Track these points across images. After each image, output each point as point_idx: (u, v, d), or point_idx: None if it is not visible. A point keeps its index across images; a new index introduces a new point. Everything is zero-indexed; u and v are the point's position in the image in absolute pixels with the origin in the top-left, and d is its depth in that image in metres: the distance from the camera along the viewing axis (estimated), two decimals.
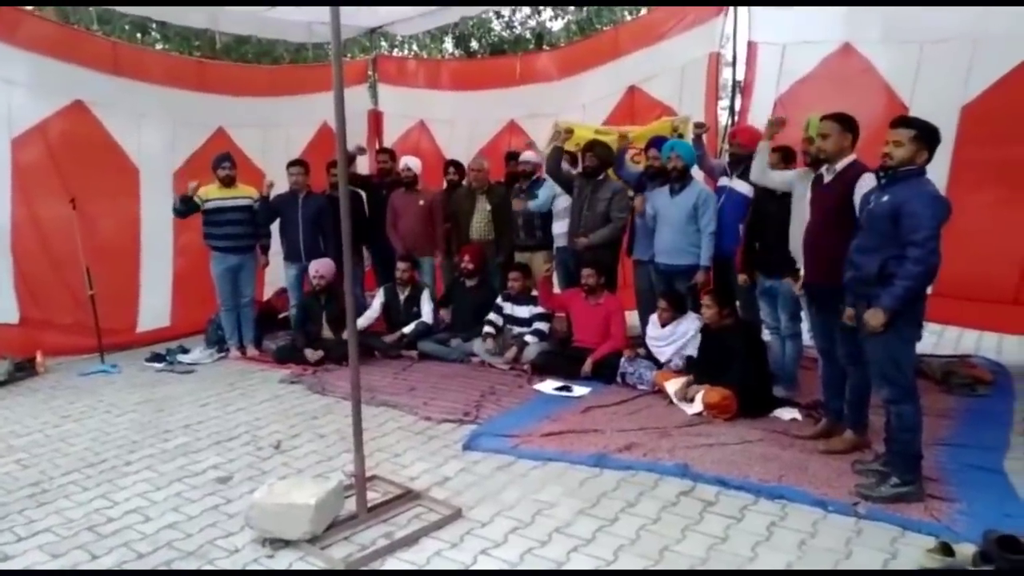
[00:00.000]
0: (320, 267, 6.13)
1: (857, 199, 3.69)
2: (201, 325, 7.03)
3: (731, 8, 6.51)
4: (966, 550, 2.82)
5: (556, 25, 18.40)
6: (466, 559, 3.02)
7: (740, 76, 6.68)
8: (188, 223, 6.90)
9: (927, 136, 3.30)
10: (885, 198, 3.31)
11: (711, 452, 4.02)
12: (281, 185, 6.59)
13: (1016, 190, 5.38)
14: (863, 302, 3.41)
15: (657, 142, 5.78)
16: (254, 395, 5.33)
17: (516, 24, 18.55)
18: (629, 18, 17.48)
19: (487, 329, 5.93)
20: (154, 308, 7.13)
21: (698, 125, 5.54)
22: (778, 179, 4.43)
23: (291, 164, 6.55)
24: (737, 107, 6.65)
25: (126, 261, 6.89)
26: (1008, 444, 4.07)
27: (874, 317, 3.30)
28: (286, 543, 3.13)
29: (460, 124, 8.31)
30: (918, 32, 5.66)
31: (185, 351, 6.44)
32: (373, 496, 3.51)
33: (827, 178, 3.93)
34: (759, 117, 6.32)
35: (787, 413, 4.59)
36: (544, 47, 17.90)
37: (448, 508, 3.40)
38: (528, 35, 18.58)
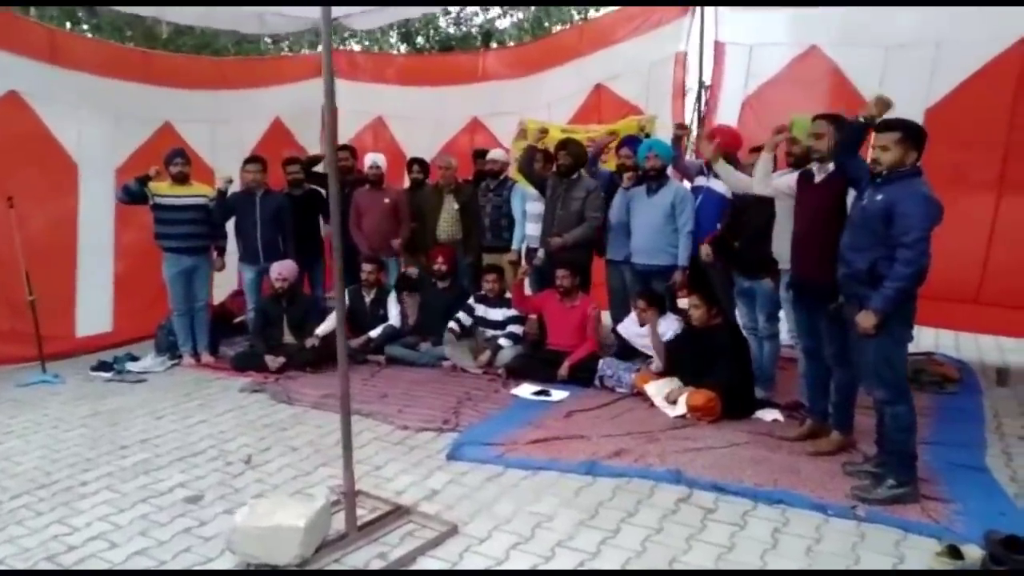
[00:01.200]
0: (282, 269, 5.85)
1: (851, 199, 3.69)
2: (146, 330, 6.67)
3: (697, 8, 6.52)
4: (973, 553, 2.82)
5: (504, 23, 18.28)
6: None
7: (705, 77, 6.67)
8: (132, 220, 6.56)
9: (912, 136, 3.30)
10: (879, 197, 3.29)
11: (701, 456, 3.96)
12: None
13: (977, 191, 5.53)
14: (854, 301, 3.39)
15: (629, 141, 5.72)
16: (215, 405, 5.03)
17: (463, 21, 18.34)
18: (578, 18, 17.55)
19: (452, 326, 5.76)
20: (94, 312, 6.70)
21: (679, 127, 5.50)
22: (784, 184, 4.22)
23: (248, 161, 6.24)
24: (703, 107, 6.66)
25: (62, 263, 6.42)
26: (986, 441, 4.14)
27: (866, 319, 3.28)
28: (273, 568, 2.92)
29: (421, 121, 8.08)
30: (883, 36, 5.76)
31: (134, 359, 6.05)
32: (360, 513, 3.29)
33: (818, 177, 3.91)
34: (726, 117, 6.39)
35: (769, 414, 4.58)
36: (491, 45, 17.80)
37: (442, 524, 3.24)
38: (475, 32, 18.40)
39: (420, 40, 17.76)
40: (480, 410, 4.83)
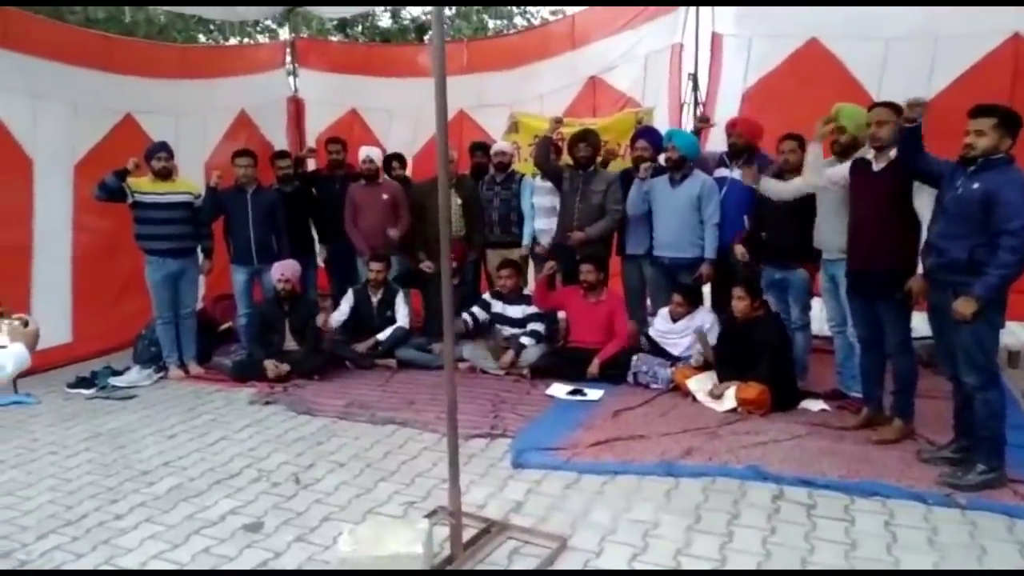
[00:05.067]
0: (285, 269, 5.45)
1: (920, 187, 3.70)
2: (110, 340, 6.19)
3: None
4: None
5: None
6: None
7: (701, 68, 6.64)
8: (91, 219, 6.07)
9: (1009, 122, 3.31)
10: (976, 185, 3.29)
11: (772, 451, 3.90)
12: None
13: None
14: (948, 289, 3.38)
15: (646, 133, 5.62)
16: (230, 421, 4.61)
17: (397, 14, 17.90)
18: (518, 16, 17.43)
19: (465, 317, 5.52)
20: (51, 322, 5.94)
21: (702, 119, 5.45)
22: (839, 175, 4.13)
23: (238, 155, 5.78)
24: (701, 99, 6.62)
25: (15, 267, 5.78)
26: None
27: (966, 306, 3.27)
28: None
29: (401, 113, 7.73)
30: (882, 28, 5.86)
31: (116, 373, 5.50)
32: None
33: (877, 166, 3.91)
34: (725, 109, 6.37)
35: (815, 404, 4.57)
36: (425, 39, 17.44)
37: (550, 539, 3.02)
38: (410, 26, 18.00)
39: (358, 30, 17.22)
40: (520, 413, 4.62)
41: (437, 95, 2.61)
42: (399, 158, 6.69)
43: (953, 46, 5.68)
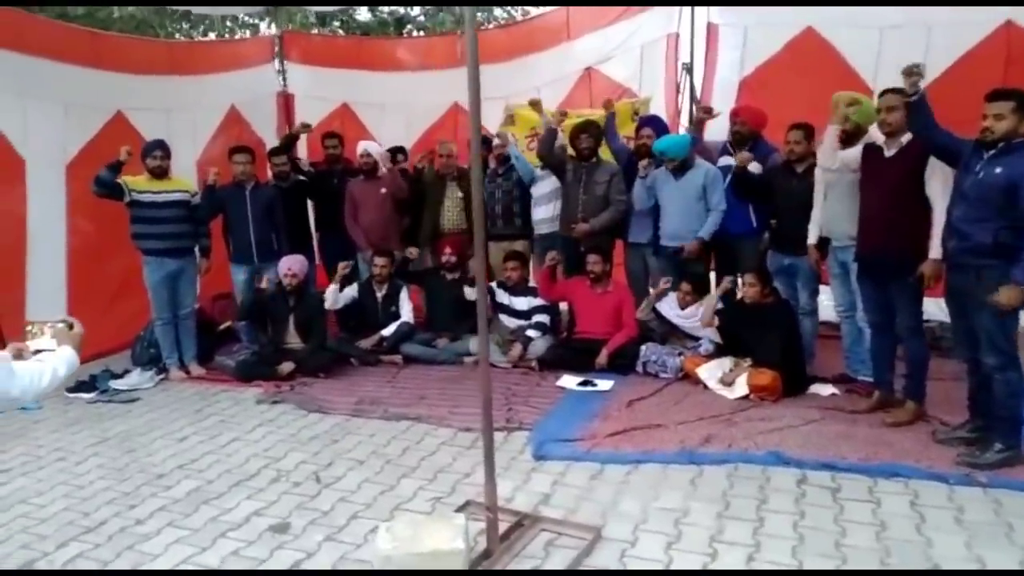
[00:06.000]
0: (292, 263, 5.38)
1: (932, 172, 3.74)
2: (110, 342, 6.03)
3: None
4: None
5: (415, 10, 17.80)
6: None
7: (697, 58, 6.65)
8: (85, 220, 5.94)
9: None
10: (998, 170, 3.30)
11: (789, 436, 3.92)
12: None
13: None
14: (972, 272, 3.41)
15: (651, 122, 5.63)
16: (239, 421, 4.54)
17: (375, 8, 17.72)
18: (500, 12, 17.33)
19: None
20: None
21: (706, 110, 5.47)
22: (852, 158, 4.16)
23: (236, 151, 5.71)
24: (698, 88, 6.63)
25: (11, 269, 5.65)
26: None
27: (1011, 295, 3.23)
28: None
29: (393, 108, 7.68)
30: (876, 17, 5.91)
31: (115, 375, 5.40)
32: (482, 526, 3.03)
33: (889, 152, 3.94)
34: (722, 98, 6.40)
35: (824, 389, 4.62)
36: (403, 32, 17.32)
37: (585, 531, 3.02)
38: (388, 19, 17.84)
39: (336, 24, 17.03)
40: (534, 406, 4.61)
41: (470, 89, 2.61)
42: (402, 151, 6.69)
43: (946, 34, 5.74)
